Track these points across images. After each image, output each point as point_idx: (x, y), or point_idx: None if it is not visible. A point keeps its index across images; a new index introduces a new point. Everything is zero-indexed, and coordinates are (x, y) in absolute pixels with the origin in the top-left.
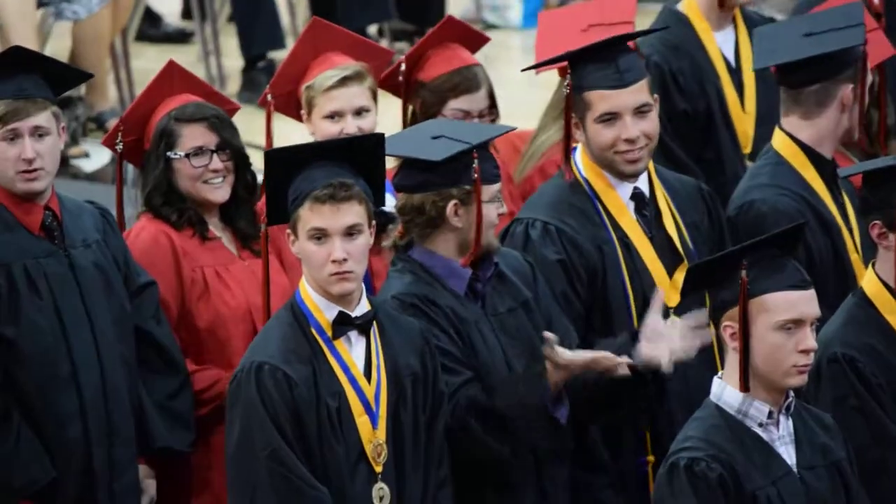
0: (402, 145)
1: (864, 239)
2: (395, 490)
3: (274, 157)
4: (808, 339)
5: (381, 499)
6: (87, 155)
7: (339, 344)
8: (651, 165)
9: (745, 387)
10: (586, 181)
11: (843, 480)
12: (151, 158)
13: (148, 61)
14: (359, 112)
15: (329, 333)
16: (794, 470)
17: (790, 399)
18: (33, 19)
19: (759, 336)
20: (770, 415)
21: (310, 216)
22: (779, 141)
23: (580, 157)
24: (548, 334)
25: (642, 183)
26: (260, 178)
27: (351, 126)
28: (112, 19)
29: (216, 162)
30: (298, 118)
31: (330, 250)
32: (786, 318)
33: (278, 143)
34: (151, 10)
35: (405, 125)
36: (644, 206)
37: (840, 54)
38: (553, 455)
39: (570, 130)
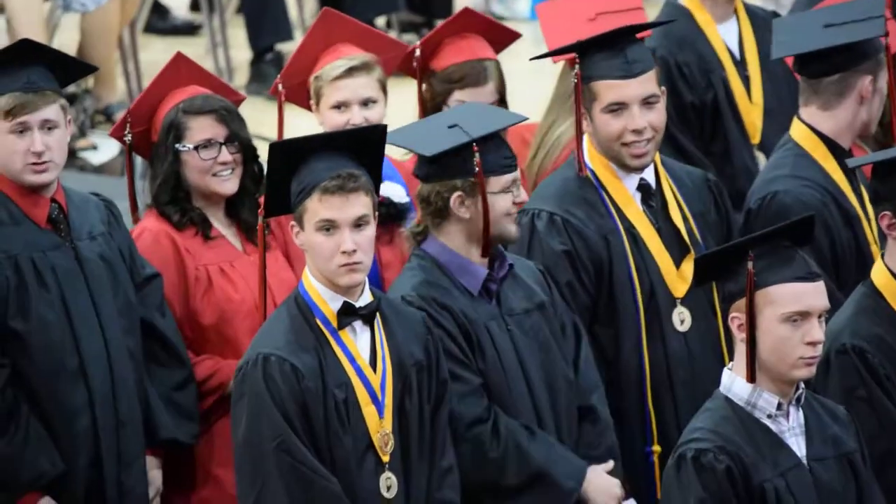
0: (409, 133)
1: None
2: (402, 479)
3: (278, 148)
4: (815, 331)
5: (388, 488)
6: (94, 147)
7: (345, 334)
8: (657, 157)
9: (751, 378)
10: (593, 172)
11: (853, 472)
12: (159, 151)
13: (156, 53)
14: (366, 103)
15: (334, 324)
16: (804, 461)
17: (800, 391)
18: (41, 11)
19: (766, 328)
20: (779, 406)
21: (319, 207)
22: (798, 132)
23: (586, 148)
24: None
25: (649, 174)
26: None
27: (357, 117)
28: (120, 11)
29: (225, 154)
30: (309, 108)
31: (339, 242)
32: (792, 310)
33: (287, 133)
34: (159, 3)
35: (421, 110)
36: (651, 197)
37: (860, 45)
38: None
39: (581, 121)
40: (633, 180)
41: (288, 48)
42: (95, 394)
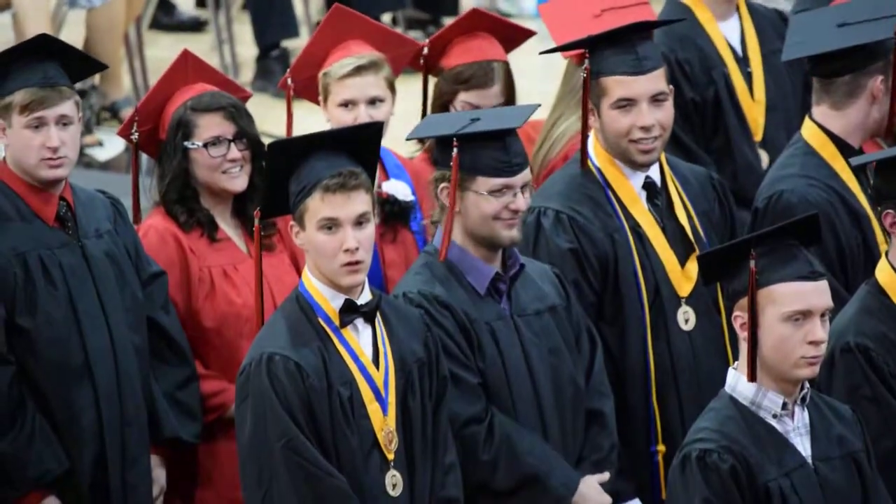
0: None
1: None
2: (406, 477)
3: (276, 148)
4: (817, 330)
5: (394, 486)
6: (100, 144)
7: (347, 332)
8: (662, 155)
9: (752, 377)
10: (598, 170)
11: (859, 471)
12: (168, 149)
13: (162, 50)
14: (373, 102)
15: (336, 322)
16: (809, 461)
17: (805, 390)
18: (47, 7)
19: (768, 326)
20: (784, 406)
21: (320, 206)
22: (808, 131)
23: (592, 146)
24: None
25: (654, 172)
26: None
27: (364, 115)
28: (126, 8)
29: (234, 151)
30: (318, 102)
31: (342, 240)
32: (793, 308)
33: (296, 128)
34: None
35: (425, 107)
36: (656, 195)
37: (871, 46)
38: None
39: (587, 116)
40: (638, 178)
41: (294, 45)
42: (101, 392)
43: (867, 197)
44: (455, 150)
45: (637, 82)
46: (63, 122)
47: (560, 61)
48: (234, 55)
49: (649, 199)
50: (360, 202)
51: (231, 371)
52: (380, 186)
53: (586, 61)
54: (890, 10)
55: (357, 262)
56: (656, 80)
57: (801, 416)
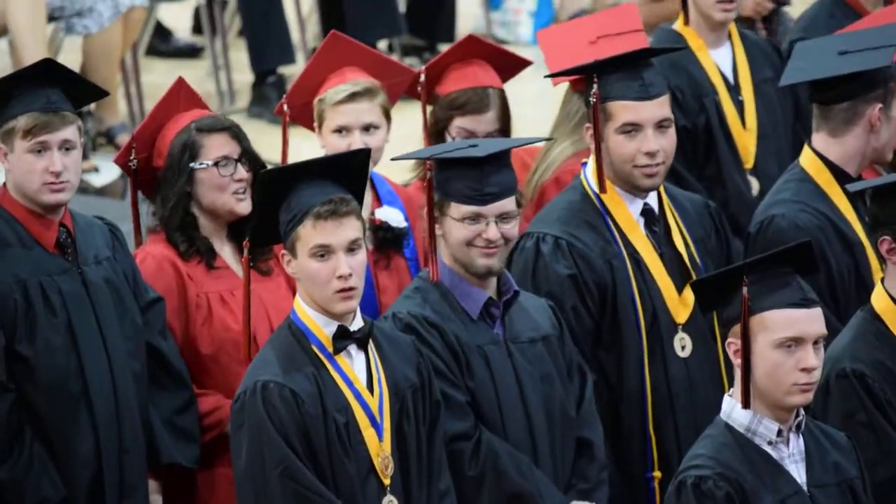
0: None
1: None
2: (402, 502)
3: (266, 178)
4: (809, 357)
5: None
6: (96, 169)
7: (341, 359)
8: None
9: (745, 404)
10: (597, 196)
11: (854, 499)
12: (168, 174)
13: (158, 76)
14: (367, 128)
15: (330, 349)
16: (805, 488)
17: (800, 417)
18: (44, 33)
19: (760, 353)
20: (779, 433)
21: (312, 233)
22: (806, 158)
23: (591, 172)
24: None
25: (652, 199)
26: None
27: (358, 142)
28: (122, 34)
29: (241, 171)
30: (313, 129)
31: (334, 267)
32: (785, 335)
33: (291, 154)
34: (162, 25)
35: (426, 132)
36: (654, 222)
37: (870, 74)
38: None
39: (599, 142)
40: (637, 205)
41: (290, 71)
42: (99, 419)
43: (864, 225)
44: (429, 172)
45: (644, 107)
46: (66, 146)
47: (554, 90)
48: (230, 81)
49: (647, 226)
50: (352, 228)
51: (229, 396)
52: (373, 213)
53: (594, 86)
54: (892, 39)
55: (350, 289)
56: (661, 107)
57: (797, 443)
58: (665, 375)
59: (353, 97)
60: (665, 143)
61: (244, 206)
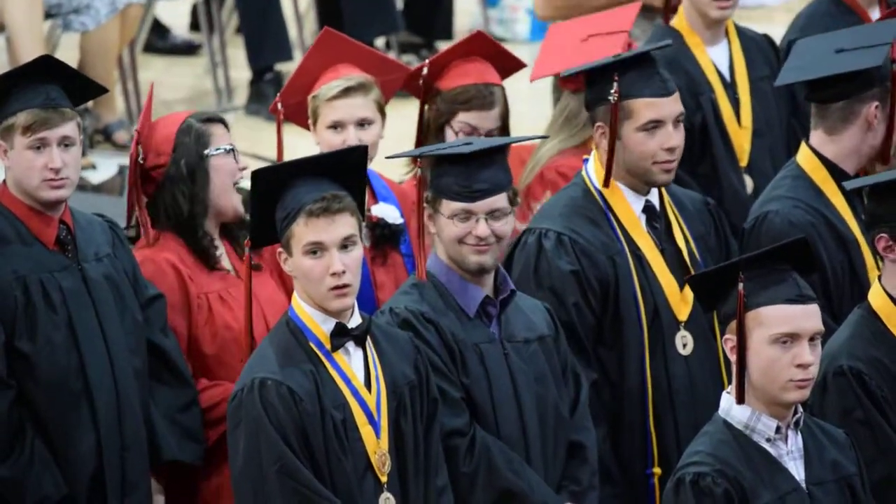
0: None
1: None
2: (399, 499)
3: (260, 176)
4: (805, 353)
5: None
6: (93, 166)
7: (339, 356)
8: None
9: (740, 399)
10: (599, 192)
11: (852, 496)
12: (173, 168)
13: (155, 73)
14: (361, 123)
15: (327, 346)
16: (803, 485)
17: (799, 414)
18: (41, 30)
19: (755, 349)
20: (778, 430)
21: (305, 231)
22: (802, 155)
23: (593, 169)
24: None
25: (653, 196)
26: None
27: (353, 137)
28: (120, 31)
29: (242, 161)
30: (307, 127)
31: (328, 264)
32: (781, 331)
33: (286, 152)
34: (159, 22)
35: (420, 129)
36: (655, 218)
37: (866, 72)
38: None
39: (615, 142)
40: (639, 202)
41: (287, 68)
42: (100, 416)
43: (860, 222)
44: (419, 169)
45: (665, 104)
46: (65, 143)
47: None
48: (227, 78)
49: (648, 223)
50: (345, 225)
51: None
52: (369, 210)
53: (614, 84)
54: (888, 37)
55: (344, 286)
56: (678, 102)
57: (795, 440)
58: (666, 372)
59: (346, 92)
60: (679, 139)
61: (238, 199)
